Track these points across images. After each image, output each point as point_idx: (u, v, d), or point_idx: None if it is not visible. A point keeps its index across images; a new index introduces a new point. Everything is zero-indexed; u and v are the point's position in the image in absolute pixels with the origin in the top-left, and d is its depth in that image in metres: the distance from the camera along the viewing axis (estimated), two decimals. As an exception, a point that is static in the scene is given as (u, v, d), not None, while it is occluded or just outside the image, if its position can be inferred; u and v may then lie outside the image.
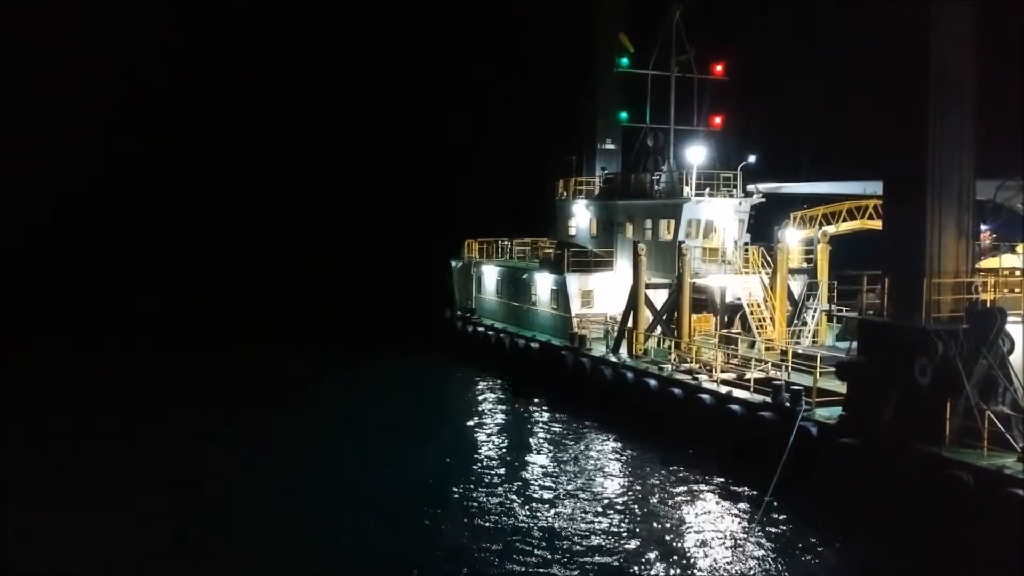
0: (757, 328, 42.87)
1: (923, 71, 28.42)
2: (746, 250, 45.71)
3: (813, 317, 44.22)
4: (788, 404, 32.30)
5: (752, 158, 46.67)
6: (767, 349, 41.51)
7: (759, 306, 43.32)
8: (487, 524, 28.33)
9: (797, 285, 46.00)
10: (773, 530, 27.62)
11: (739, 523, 28.39)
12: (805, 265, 46.93)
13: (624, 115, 52.71)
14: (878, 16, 29.92)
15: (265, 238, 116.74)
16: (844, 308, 40.37)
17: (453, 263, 63.92)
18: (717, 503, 30.35)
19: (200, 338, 66.09)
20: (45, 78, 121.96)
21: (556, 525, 28.14)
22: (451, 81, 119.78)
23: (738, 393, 35.41)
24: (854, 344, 32.14)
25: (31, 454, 35.85)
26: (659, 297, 45.51)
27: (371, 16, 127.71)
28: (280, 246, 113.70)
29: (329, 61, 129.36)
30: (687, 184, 46.31)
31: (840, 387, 32.96)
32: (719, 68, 51.12)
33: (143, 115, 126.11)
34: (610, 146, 57.28)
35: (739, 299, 45.31)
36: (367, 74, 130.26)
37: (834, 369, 33.53)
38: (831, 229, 45.70)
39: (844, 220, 45.41)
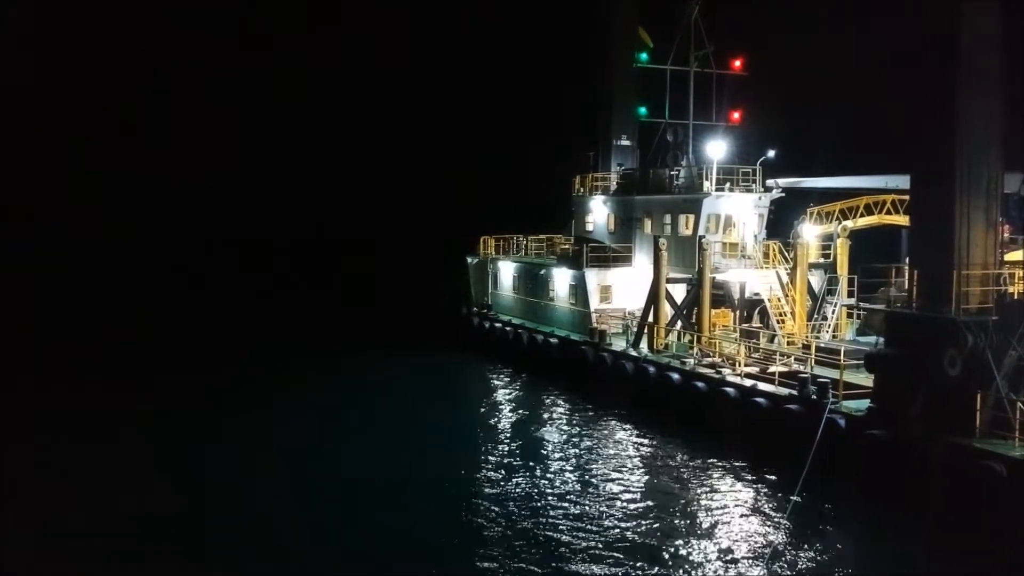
0: (778, 323, 43.07)
1: (953, 67, 28.67)
2: (765, 245, 45.89)
3: (833, 312, 44.34)
4: (815, 397, 32.44)
5: (771, 153, 46.82)
6: (789, 343, 41.67)
7: (780, 301, 43.48)
8: (509, 518, 28.32)
9: (816, 280, 46.17)
10: (803, 523, 27.59)
11: (768, 517, 28.46)
12: (822, 260, 47.03)
13: (643, 110, 52.80)
14: (908, 15, 30.14)
15: (278, 233, 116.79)
16: (869, 301, 40.48)
17: (469, 260, 64.08)
18: (745, 496, 30.43)
19: (211, 336, 66.13)
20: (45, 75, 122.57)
21: (581, 519, 28.18)
22: (462, 77, 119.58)
23: (763, 386, 35.58)
24: (877, 337, 32.42)
25: (34, 451, 35.75)
26: (677, 292, 45.77)
27: (382, 9, 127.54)
28: (293, 241, 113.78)
29: (340, 54, 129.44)
30: (707, 179, 46.49)
31: (865, 381, 33.20)
32: (737, 63, 51.30)
33: (145, 111, 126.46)
34: (625, 142, 57.40)
35: (756, 294, 45.53)
36: (378, 70, 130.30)
37: (859, 362, 33.84)
38: (849, 224, 45.85)
39: (861, 215, 45.58)
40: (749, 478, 32.08)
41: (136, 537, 26.99)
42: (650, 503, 29.65)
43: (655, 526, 27.59)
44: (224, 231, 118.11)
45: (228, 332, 67.59)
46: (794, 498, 28.85)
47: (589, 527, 27.49)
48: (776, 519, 28.04)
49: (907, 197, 42.40)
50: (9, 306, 74.57)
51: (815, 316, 44.17)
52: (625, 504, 29.57)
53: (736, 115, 51.46)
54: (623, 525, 27.64)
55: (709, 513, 28.82)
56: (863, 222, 45.59)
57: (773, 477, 31.61)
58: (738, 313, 47.24)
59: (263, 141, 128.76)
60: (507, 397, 47.10)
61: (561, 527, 27.51)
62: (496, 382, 50.50)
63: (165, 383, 49.50)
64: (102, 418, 41.45)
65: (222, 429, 39.81)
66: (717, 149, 46.38)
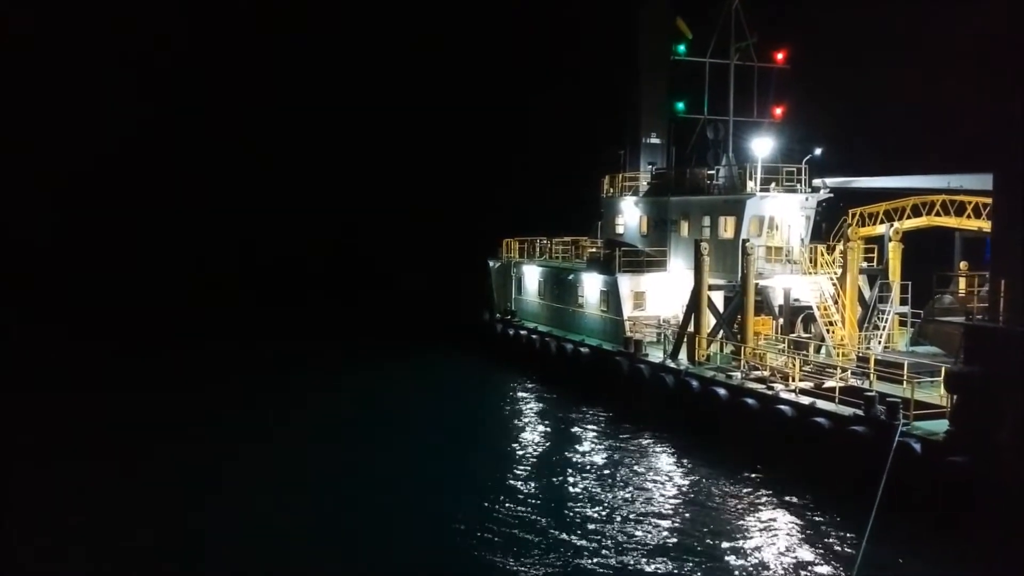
0: (827, 332, 40.31)
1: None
2: (812, 249, 43.11)
3: (885, 320, 41.54)
4: (883, 417, 29.72)
5: (818, 151, 44.01)
6: (843, 355, 38.88)
7: (828, 308, 40.65)
8: (539, 536, 26.20)
9: (864, 286, 43.40)
10: (875, 561, 24.64)
11: (835, 554, 25.57)
12: (864, 265, 44.11)
13: (681, 105, 49.85)
14: (992, 14, 27.60)
15: (299, 236, 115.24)
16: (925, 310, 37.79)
17: (491, 263, 61.35)
18: (806, 530, 27.46)
19: (233, 340, 64.21)
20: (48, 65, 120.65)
21: (619, 552, 25.50)
22: (485, 73, 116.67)
23: (822, 404, 32.75)
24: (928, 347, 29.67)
25: (49, 450, 35.11)
26: (716, 299, 43.04)
27: (405, 5, 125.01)
28: (313, 245, 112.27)
29: (356, 50, 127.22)
30: (751, 179, 43.67)
31: (933, 398, 30.57)
32: (780, 56, 48.41)
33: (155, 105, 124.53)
34: (655, 140, 54.68)
35: (797, 300, 42.83)
36: (396, 67, 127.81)
37: (921, 377, 31.26)
38: (898, 225, 43.11)
39: (908, 217, 42.84)
40: (810, 509, 29.10)
41: (147, 539, 26.25)
42: (697, 537, 26.69)
43: (703, 565, 24.69)
44: (253, 230, 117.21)
45: (257, 336, 66.05)
46: (866, 532, 26.08)
47: (629, 563, 24.69)
48: (844, 556, 25.17)
49: (961, 198, 40.03)
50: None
51: (866, 325, 41.36)
52: (668, 536, 26.75)
53: (779, 111, 48.59)
54: (665, 564, 24.76)
55: (766, 548, 25.95)
56: (911, 224, 42.90)
57: (838, 508, 28.63)
58: (782, 321, 44.47)
59: (292, 135, 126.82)
60: (536, 410, 44.33)
61: (595, 562, 24.75)
62: (524, 393, 47.85)
63: (177, 384, 48.64)
64: (121, 418, 40.86)
65: (244, 431, 38.98)
66: (763, 146, 43.47)
